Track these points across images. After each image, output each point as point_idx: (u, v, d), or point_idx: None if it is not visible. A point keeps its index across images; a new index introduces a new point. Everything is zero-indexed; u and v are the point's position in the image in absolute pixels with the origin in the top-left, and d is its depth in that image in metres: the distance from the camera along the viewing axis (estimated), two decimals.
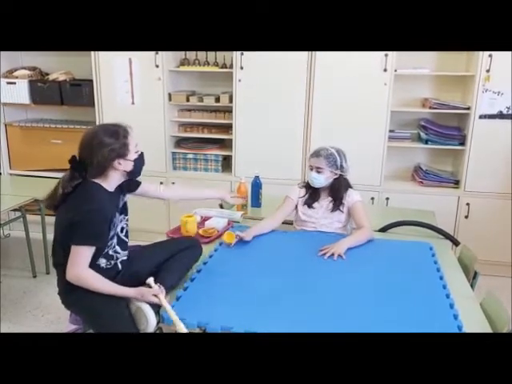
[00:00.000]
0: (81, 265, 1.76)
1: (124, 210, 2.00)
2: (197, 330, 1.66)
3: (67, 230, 1.78)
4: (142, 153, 1.96)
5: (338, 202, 2.51)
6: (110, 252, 1.89)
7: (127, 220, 2.01)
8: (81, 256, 1.76)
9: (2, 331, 2.70)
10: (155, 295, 1.75)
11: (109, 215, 1.82)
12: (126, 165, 1.88)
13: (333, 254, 2.22)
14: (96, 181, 1.86)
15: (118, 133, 1.86)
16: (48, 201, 1.89)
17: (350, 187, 2.57)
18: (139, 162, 1.94)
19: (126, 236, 1.98)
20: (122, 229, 1.96)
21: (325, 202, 2.54)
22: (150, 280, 1.84)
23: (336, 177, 2.49)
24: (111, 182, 1.89)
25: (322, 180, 2.48)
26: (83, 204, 1.78)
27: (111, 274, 1.88)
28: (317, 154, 2.49)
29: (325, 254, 2.24)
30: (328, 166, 2.46)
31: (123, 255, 1.97)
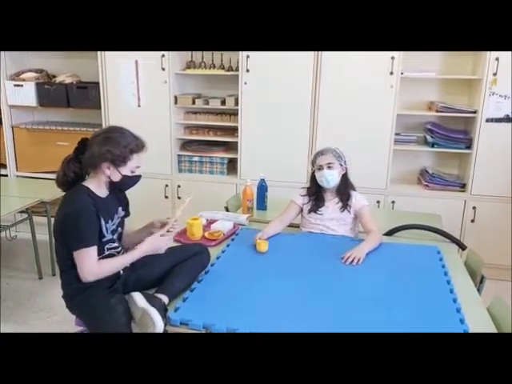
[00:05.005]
0: (91, 265, 1.78)
1: (121, 224, 2.00)
2: (202, 331, 1.66)
3: (61, 235, 1.82)
4: (138, 176, 1.93)
5: (345, 200, 2.50)
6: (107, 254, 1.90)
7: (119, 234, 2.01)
8: (86, 259, 1.77)
9: (8, 332, 2.70)
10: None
11: (93, 215, 1.80)
12: (114, 174, 1.86)
13: (353, 260, 2.19)
14: (87, 183, 1.87)
15: (127, 143, 1.85)
16: (57, 183, 1.91)
17: (354, 189, 2.57)
18: (129, 180, 1.90)
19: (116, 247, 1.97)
20: (114, 240, 1.95)
21: (331, 203, 2.53)
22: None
23: (343, 172, 2.50)
24: (100, 185, 1.88)
25: (335, 176, 2.47)
26: (67, 206, 1.81)
27: (112, 277, 1.87)
28: (322, 152, 2.50)
29: (347, 260, 2.19)
30: (337, 160, 2.46)
31: None
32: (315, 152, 2.57)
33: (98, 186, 1.88)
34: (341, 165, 2.48)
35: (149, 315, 1.68)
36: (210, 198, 3.51)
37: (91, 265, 1.77)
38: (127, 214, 2.08)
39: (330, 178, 2.47)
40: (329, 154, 2.47)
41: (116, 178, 1.87)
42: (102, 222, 1.85)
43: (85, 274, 1.78)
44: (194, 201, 2.09)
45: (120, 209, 2.00)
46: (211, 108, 3.89)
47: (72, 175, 1.87)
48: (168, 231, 1.99)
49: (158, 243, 1.92)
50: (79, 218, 1.77)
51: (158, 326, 1.66)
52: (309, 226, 2.57)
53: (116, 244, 1.94)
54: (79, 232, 1.77)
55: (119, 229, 1.99)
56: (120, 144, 1.83)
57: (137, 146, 1.88)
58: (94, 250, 1.79)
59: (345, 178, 2.52)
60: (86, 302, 1.82)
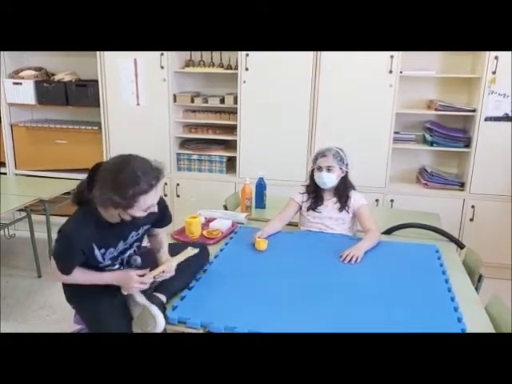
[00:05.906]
0: (60, 277, 1.80)
1: (137, 242, 1.94)
2: (200, 330, 1.66)
3: None
4: (153, 214, 1.76)
5: (343, 201, 2.50)
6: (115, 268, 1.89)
7: (135, 252, 1.96)
8: (57, 272, 1.79)
9: (8, 331, 2.71)
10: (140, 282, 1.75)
11: (80, 251, 1.70)
12: (124, 215, 1.68)
13: (351, 258, 2.19)
14: (100, 207, 1.70)
15: (133, 185, 1.60)
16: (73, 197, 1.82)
17: (354, 188, 2.57)
18: (143, 219, 1.75)
19: (129, 261, 1.94)
20: (130, 255, 1.93)
21: (329, 202, 2.54)
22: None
23: (343, 175, 2.49)
24: (110, 217, 1.73)
25: (333, 179, 2.46)
26: (68, 224, 1.73)
27: None
28: (324, 153, 2.48)
29: (345, 258, 2.20)
30: (338, 164, 2.45)
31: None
32: (318, 150, 2.55)
33: (108, 216, 1.72)
34: (341, 168, 2.47)
35: (149, 312, 1.67)
36: (209, 197, 3.52)
37: (60, 276, 1.80)
38: (165, 222, 2.02)
39: (327, 181, 2.47)
40: (330, 157, 2.45)
41: (127, 218, 1.69)
42: (97, 252, 1.75)
43: (56, 278, 1.83)
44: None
45: (145, 226, 1.90)
46: (210, 106, 3.89)
47: (80, 198, 1.76)
48: (152, 277, 1.80)
49: (128, 284, 1.75)
50: (65, 245, 1.71)
51: (159, 322, 1.65)
52: (307, 224, 2.57)
53: (117, 267, 1.87)
54: (59, 256, 1.76)
55: (135, 244, 1.92)
56: (121, 188, 1.59)
57: (146, 185, 1.63)
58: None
59: (344, 179, 2.51)
60: (85, 302, 1.83)
